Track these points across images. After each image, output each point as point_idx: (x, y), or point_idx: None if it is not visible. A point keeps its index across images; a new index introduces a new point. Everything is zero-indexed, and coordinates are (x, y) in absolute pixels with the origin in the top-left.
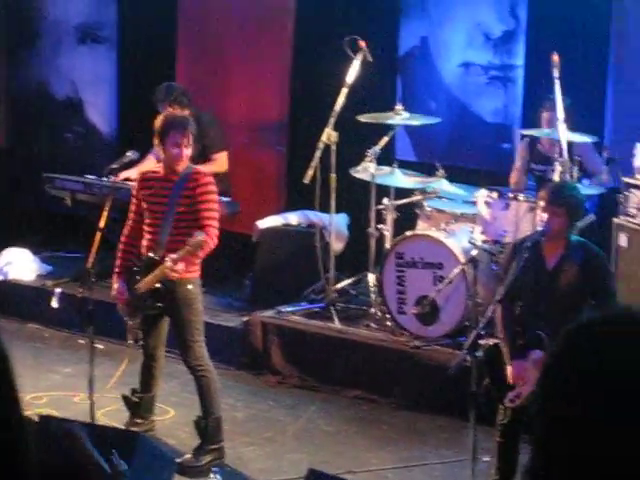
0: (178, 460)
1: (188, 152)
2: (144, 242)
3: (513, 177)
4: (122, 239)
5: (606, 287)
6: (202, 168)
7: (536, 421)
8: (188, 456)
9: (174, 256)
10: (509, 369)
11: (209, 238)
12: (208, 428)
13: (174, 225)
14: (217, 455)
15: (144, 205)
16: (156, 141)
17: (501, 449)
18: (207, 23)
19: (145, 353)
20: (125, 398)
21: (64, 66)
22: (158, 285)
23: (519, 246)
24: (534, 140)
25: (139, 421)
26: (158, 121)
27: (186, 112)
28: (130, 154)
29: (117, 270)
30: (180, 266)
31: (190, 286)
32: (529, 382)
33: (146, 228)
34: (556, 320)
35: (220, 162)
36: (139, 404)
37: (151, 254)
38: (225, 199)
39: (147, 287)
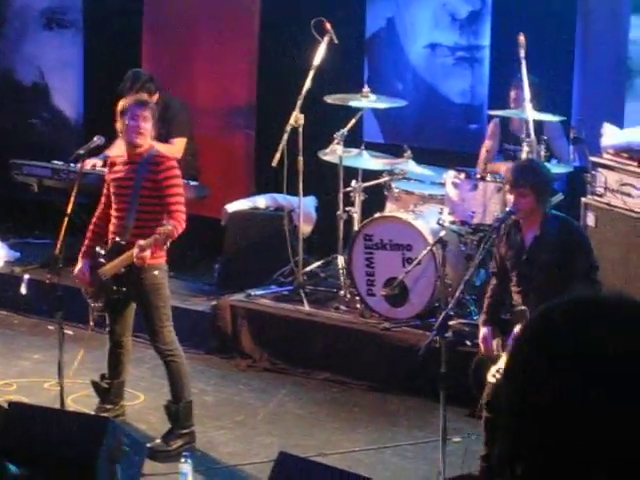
0: (149, 445)
1: (147, 126)
2: (111, 227)
3: (482, 157)
4: (92, 221)
5: (589, 260)
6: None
7: (504, 404)
8: (158, 441)
9: (142, 243)
10: (479, 333)
11: (177, 223)
12: (179, 413)
13: (139, 209)
14: (188, 440)
15: (111, 189)
16: (118, 124)
17: (487, 424)
18: (173, 6)
19: (112, 339)
20: (94, 384)
21: (30, 51)
22: (123, 270)
23: (493, 230)
24: (505, 120)
25: (109, 407)
26: (119, 104)
27: (155, 98)
28: (96, 139)
29: (83, 250)
30: (147, 253)
31: (156, 272)
32: None
33: (113, 212)
34: (537, 296)
35: (177, 148)
36: (108, 390)
37: (117, 239)
38: (193, 183)
39: (112, 272)
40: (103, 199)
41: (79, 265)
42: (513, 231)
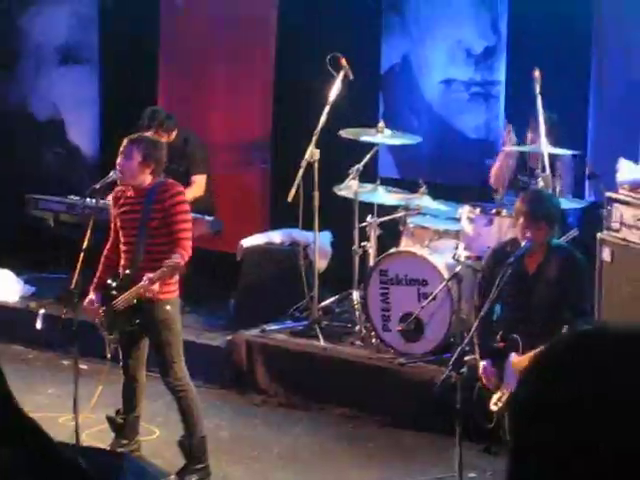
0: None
1: (128, 164)
2: (121, 260)
3: (495, 172)
4: (104, 253)
5: (580, 291)
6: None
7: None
8: (173, 477)
9: (150, 276)
10: (480, 366)
11: (183, 252)
12: (192, 448)
13: (148, 241)
14: (203, 475)
15: (118, 223)
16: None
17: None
18: (189, 42)
19: (126, 374)
20: (109, 419)
21: (45, 87)
22: (135, 302)
23: (499, 252)
24: (524, 153)
25: (124, 442)
26: None
27: (173, 135)
28: (112, 174)
29: (94, 282)
30: (156, 286)
31: (168, 307)
32: (510, 385)
33: (122, 247)
34: (537, 324)
35: (199, 185)
36: (123, 425)
37: (128, 271)
38: (209, 218)
39: (125, 304)
40: (112, 233)
41: (89, 297)
42: (516, 261)
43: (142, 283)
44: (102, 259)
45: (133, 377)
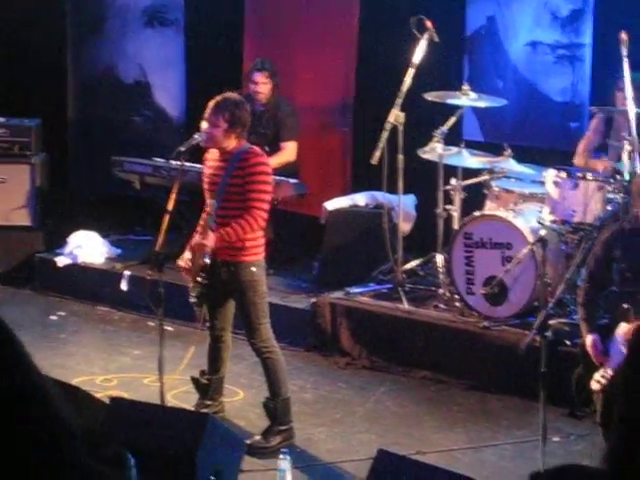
0: (248, 441)
1: (214, 131)
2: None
3: (580, 149)
4: (202, 218)
5: None
6: (271, 159)
7: (621, 401)
8: (257, 437)
9: (205, 242)
10: (587, 341)
11: (251, 219)
12: (277, 409)
13: (223, 206)
14: (286, 436)
15: (206, 184)
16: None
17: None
18: (274, 4)
19: (212, 335)
20: (194, 380)
21: (132, 50)
22: (207, 260)
23: (612, 242)
24: (610, 117)
25: (208, 403)
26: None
27: (268, 87)
28: (197, 136)
29: (191, 241)
30: (210, 238)
31: (254, 268)
32: (614, 360)
33: (206, 207)
34: None
35: (289, 151)
36: (208, 386)
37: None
38: (293, 181)
39: (197, 264)
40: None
41: (186, 255)
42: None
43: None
44: (200, 220)
45: (219, 338)
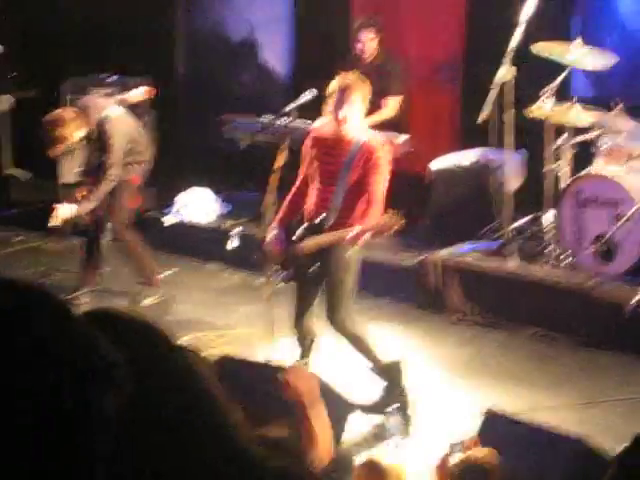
0: (357, 403)
1: (351, 111)
2: (313, 201)
3: None
4: (292, 190)
5: None
6: (372, 116)
7: None
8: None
9: (353, 233)
10: None
11: (376, 210)
12: (384, 373)
13: (347, 195)
14: (402, 399)
15: (315, 163)
16: (325, 106)
17: None
18: None
19: (299, 309)
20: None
21: (240, 5)
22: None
23: None
24: None
25: (306, 361)
26: (332, 83)
27: (375, 43)
28: (308, 93)
29: (279, 218)
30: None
31: (350, 249)
32: None
33: (316, 184)
34: None
35: (391, 107)
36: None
37: (322, 217)
38: (403, 138)
39: (314, 248)
40: (302, 172)
41: (274, 232)
42: None
43: (347, 234)
44: (288, 196)
45: (306, 306)
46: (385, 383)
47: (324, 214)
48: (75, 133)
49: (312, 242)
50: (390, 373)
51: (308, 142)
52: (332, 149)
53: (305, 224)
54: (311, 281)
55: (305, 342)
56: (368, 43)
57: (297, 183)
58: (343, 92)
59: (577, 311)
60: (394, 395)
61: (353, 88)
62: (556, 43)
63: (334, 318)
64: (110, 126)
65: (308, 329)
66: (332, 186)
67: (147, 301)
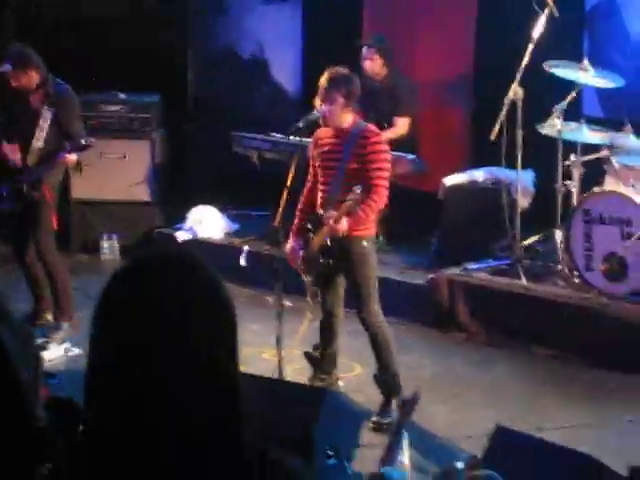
0: (367, 418)
1: (332, 108)
2: (318, 200)
3: None
4: (301, 199)
5: None
6: (383, 133)
7: None
8: (375, 418)
9: (334, 213)
10: None
11: (377, 197)
12: (389, 383)
13: (345, 183)
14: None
15: (317, 163)
16: (316, 101)
17: None
18: None
19: (324, 310)
20: (307, 354)
21: (250, 26)
22: (330, 242)
23: None
24: None
25: (323, 376)
26: (322, 76)
27: (384, 69)
28: (316, 112)
29: (293, 228)
30: (343, 222)
31: (365, 243)
32: None
33: (319, 186)
34: None
35: (401, 127)
36: (321, 359)
37: (320, 211)
38: (411, 156)
39: (318, 244)
40: (309, 176)
41: (288, 244)
42: None
43: (328, 222)
44: (299, 205)
45: (331, 313)
46: (390, 395)
47: (322, 209)
48: None
49: (314, 241)
50: (395, 385)
51: (311, 145)
52: (328, 145)
53: (311, 226)
54: (332, 280)
55: (326, 353)
56: (370, 61)
57: (304, 190)
58: (327, 84)
59: (587, 331)
60: (391, 408)
61: (336, 82)
62: (566, 62)
63: (367, 310)
64: None
65: (333, 334)
66: (330, 177)
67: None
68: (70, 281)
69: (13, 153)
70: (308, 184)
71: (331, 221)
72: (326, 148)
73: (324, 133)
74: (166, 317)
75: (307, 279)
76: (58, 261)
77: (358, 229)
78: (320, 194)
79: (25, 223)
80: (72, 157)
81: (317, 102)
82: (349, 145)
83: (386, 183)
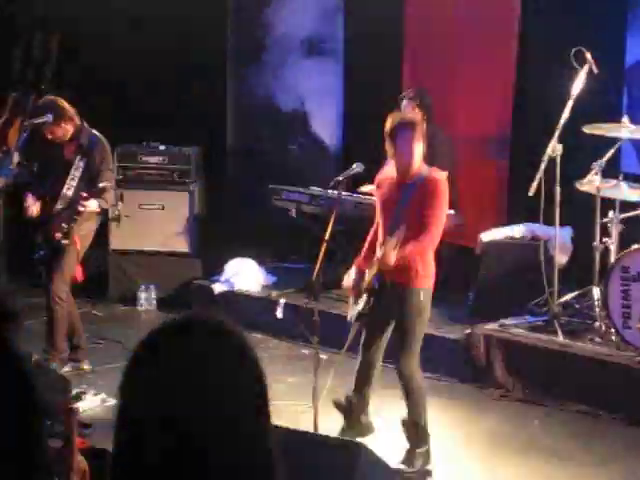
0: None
1: (418, 150)
2: (380, 239)
3: None
4: (369, 235)
5: None
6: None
7: None
8: (401, 463)
9: (379, 253)
10: None
11: (424, 237)
12: (417, 434)
13: (403, 227)
14: (426, 458)
15: (378, 207)
16: (387, 146)
17: None
18: (432, 38)
19: (363, 357)
20: (337, 404)
21: (290, 79)
22: (375, 285)
23: None
24: None
25: (353, 424)
26: (387, 121)
27: (423, 123)
28: (356, 166)
29: (358, 260)
30: (391, 256)
31: (422, 294)
32: None
33: (380, 229)
34: None
35: None
36: (350, 407)
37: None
38: (450, 212)
39: (366, 284)
40: (376, 218)
41: (351, 274)
42: None
43: (377, 258)
44: (366, 244)
45: (370, 362)
46: (416, 444)
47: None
48: None
49: (369, 272)
50: (423, 435)
51: (375, 188)
52: (391, 190)
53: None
54: (379, 327)
55: (357, 401)
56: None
57: (372, 229)
58: (407, 130)
59: (624, 389)
60: (425, 456)
61: (414, 125)
62: (606, 119)
63: (403, 362)
64: None
65: (369, 383)
66: (389, 222)
67: None
68: (82, 329)
69: (34, 204)
70: (374, 226)
71: (379, 255)
72: (386, 193)
73: (385, 178)
74: (193, 387)
75: (353, 321)
76: (66, 304)
77: (417, 279)
78: (380, 237)
79: (51, 269)
80: (91, 204)
81: (388, 147)
82: (410, 192)
83: (440, 226)
